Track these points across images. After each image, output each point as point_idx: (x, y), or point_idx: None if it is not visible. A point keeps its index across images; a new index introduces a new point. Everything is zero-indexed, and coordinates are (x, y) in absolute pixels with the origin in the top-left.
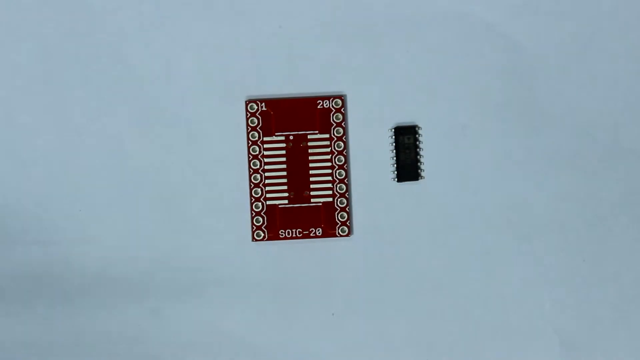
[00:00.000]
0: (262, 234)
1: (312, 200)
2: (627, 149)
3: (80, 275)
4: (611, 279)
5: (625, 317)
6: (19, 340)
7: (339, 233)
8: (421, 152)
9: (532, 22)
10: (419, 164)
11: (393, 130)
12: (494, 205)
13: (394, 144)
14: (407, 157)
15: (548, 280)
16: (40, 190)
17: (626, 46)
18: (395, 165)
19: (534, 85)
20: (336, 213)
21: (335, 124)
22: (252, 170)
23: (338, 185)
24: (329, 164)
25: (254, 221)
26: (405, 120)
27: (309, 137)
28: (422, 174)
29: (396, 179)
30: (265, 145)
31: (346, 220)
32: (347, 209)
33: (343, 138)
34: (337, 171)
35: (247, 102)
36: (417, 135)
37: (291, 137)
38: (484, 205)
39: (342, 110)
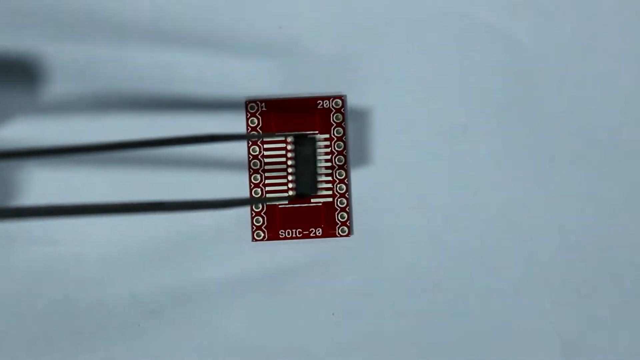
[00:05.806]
0: (262, 234)
1: (312, 200)
2: (627, 149)
3: (80, 275)
4: (611, 279)
5: (625, 317)
6: (19, 340)
7: (339, 233)
8: (319, 165)
9: (532, 22)
10: (317, 176)
11: (293, 138)
12: (494, 205)
13: (293, 155)
14: (306, 170)
15: (548, 280)
16: (40, 190)
17: (626, 46)
18: (294, 177)
19: (534, 85)
20: (336, 213)
21: (335, 124)
22: (252, 170)
23: (338, 185)
24: (329, 164)
25: (254, 221)
26: (403, 119)
27: (309, 137)
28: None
29: (295, 192)
30: (265, 145)
31: (346, 220)
32: (347, 209)
33: (343, 138)
34: (337, 171)
35: (247, 102)
36: (315, 147)
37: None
38: (484, 205)
39: (342, 110)
